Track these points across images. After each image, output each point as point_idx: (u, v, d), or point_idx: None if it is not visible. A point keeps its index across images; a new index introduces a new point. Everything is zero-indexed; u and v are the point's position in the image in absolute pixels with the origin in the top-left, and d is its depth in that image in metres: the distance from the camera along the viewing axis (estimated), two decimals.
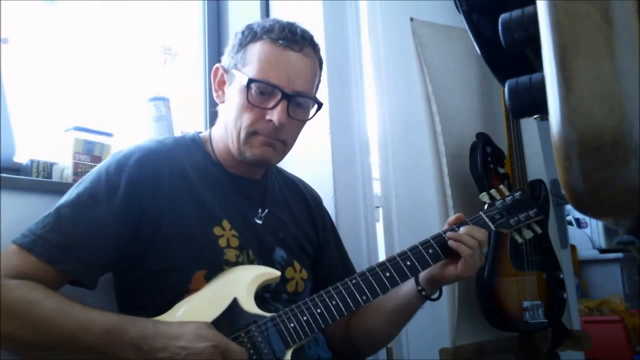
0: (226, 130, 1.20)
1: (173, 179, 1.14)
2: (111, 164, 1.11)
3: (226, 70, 1.22)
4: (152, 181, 1.11)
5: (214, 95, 1.25)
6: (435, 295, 1.25)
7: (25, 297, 0.95)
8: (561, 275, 2.12)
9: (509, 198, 1.33)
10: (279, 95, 1.14)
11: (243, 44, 1.19)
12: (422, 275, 1.22)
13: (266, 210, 1.25)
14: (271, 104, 1.14)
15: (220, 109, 1.25)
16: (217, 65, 1.24)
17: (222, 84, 1.23)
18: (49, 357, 0.97)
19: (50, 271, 1.00)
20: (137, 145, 1.17)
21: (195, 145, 1.24)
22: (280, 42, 1.15)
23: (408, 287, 1.24)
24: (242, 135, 1.16)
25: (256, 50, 1.16)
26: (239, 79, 1.17)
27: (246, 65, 1.16)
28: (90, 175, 1.11)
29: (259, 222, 1.23)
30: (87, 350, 0.94)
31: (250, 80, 1.13)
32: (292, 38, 1.16)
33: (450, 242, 1.19)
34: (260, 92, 1.14)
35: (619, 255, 4.03)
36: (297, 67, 1.16)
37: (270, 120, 1.14)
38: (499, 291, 1.94)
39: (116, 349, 0.94)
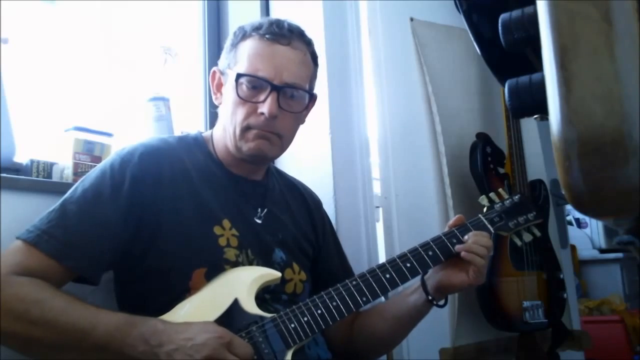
0: (224, 130, 1.21)
1: (174, 178, 1.14)
2: (115, 160, 1.12)
3: (222, 72, 1.24)
4: (154, 179, 1.12)
5: (213, 98, 1.27)
6: (442, 302, 1.25)
7: (34, 295, 0.95)
8: (561, 275, 2.12)
9: (508, 201, 1.33)
10: (268, 88, 1.15)
11: (234, 44, 1.21)
12: (431, 284, 1.22)
13: (265, 210, 1.25)
14: (261, 97, 1.15)
15: (219, 110, 1.26)
16: (214, 68, 1.26)
17: (219, 86, 1.25)
18: (56, 357, 0.96)
19: (56, 266, 1.00)
20: (141, 142, 1.18)
21: (197, 145, 1.25)
22: (267, 36, 1.17)
23: (416, 295, 1.24)
24: (237, 130, 1.17)
25: (245, 47, 1.19)
26: (231, 77, 1.19)
27: (237, 63, 1.19)
28: (94, 172, 1.12)
29: (259, 221, 1.23)
30: (95, 348, 0.94)
31: (239, 75, 1.16)
32: (279, 32, 1.18)
33: (463, 254, 1.18)
34: (252, 86, 1.16)
35: (619, 255, 4.03)
36: (285, 59, 1.17)
37: (262, 113, 1.15)
38: (499, 291, 1.94)
39: (124, 344, 0.94)
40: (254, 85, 1.16)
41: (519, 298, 1.96)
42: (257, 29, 1.19)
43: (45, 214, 1.05)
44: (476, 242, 1.19)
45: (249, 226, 1.20)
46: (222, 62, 1.24)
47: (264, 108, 1.14)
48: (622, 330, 3.45)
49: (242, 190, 1.24)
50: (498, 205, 1.32)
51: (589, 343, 2.42)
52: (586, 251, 4.19)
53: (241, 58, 1.18)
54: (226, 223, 1.16)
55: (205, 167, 1.21)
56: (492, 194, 1.35)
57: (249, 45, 1.18)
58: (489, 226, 1.26)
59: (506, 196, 1.34)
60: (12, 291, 0.95)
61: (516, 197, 1.34)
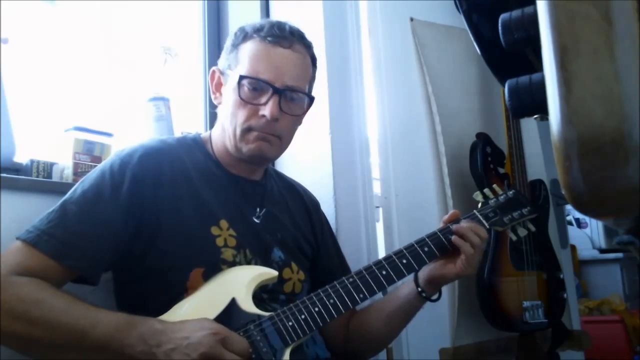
0: (224, 130, 1.22)
1: (174, 178, 1.15)
2: (115, 161, 1.12)
3: (222, 72, 1.24)
4: (154, 180, 1.12)
5: (212, 97, 1.27)
6: (435, 297, 1.25)
7: (34, 295, 0.95)
8: (561, 275, 2.12)
9: (502, 197, 1.33)
10: (270, 91, 1.16)
11: (235, 45, 1.22)
12: (422, 276, 1.23)
13: (264, 210, 1.25)
14: (263, 100, 1.16)
15: (218, 110, 1.27)
16: (214, 68, 1.26)
17: (219, 85, 1.26)
18: (56, 357, 0.97)
19: (55, 266, 1.00)
20: (140, 144, 1.18)
21: (197, 146, 1.26)
22: (269, 39, 1.18)
23: (408, 288, 1.25)
24: (238, 132, 1.18)
25: (247, 49, 1.19)
26: (232, 78, 1.19)
27: (238, 65, 1.19)
28: (94, 173, 1.12)
29: (257, 221, 1.23)
30: (95, 347, 0.95)
31: (241, 77, 1.16)
32: (281, 34, 1.19)
33: (454, 238, 1.19)
34: (253, 88, 1.17)
35: (619, 255, 4.02)
36: (287, 62, 1.18)
37: (264, 116, 1.16)
38: (499, 291, 1.94)
39: (124, 344, 0.94)
40: (255, 87, 1.17)
41: (519, 298, 1.96)
42: (258, 30, 1.19)
43: (45, 215, 1.05)
44: (472, 229, 1.20)
45: (248, 226, 1.21)
46: (222, 62, 1.25)
47: (266, 111, 1.15)
48: (622, 330, 3.45)
49: (240, 190, 1.24)
50: (492, 201, 1.32)
51: (589, 343, 2.42)
52: (586, 251, 4.19)
53: (243, 59, 1.19)
54: (223, 223, 1.16)
55: (205, 167, 1.22)
56: (486, 190, 1.35)
57: (250, 47, 1.19)
58: (483, 221, 1.27)
59: (500, 192, 1.35)
60: (12, 291, 0.95)
61: (510, 192, 1.34)
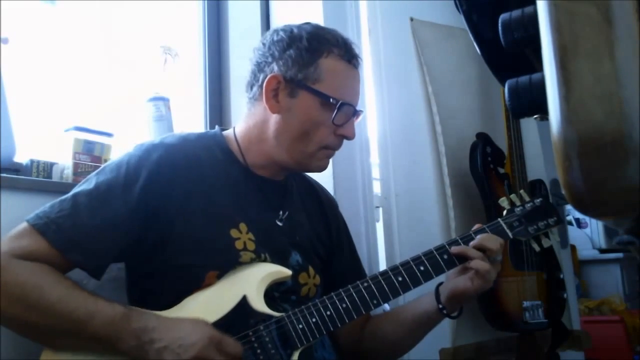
0: (276, 138, 1.18)
1: (191, 179, 1.12)
2: (133, 156, 1.11)
3: (289, 80, 1.16)
4: (169, 180, 1.10)
5: (266, 104, 1.17)
6: (455, 314, 1.22)
7: (34, 280, 0.96)
8: (561, 275, 2.12)
9: (529, 205, 1.26)
10: (352, 112, 1.19)
11: (313, 57, 1.16)
12: (443, 292, 1.20)
13: (287, 213, 1.23)
14: (343, 120, 1.18)
15: (259, 112, 1.20)
16: (275, 74, 1.17)
17: (276, 91, 1.17)
18: (54, 342, 0.98)
19: (59, 257, 1.01)
20: (162, 140, 1.16)
21: (217, 144, 1.22)
22: (350, 61, 1.20)
23: (428, 302, 1.22)
24: (313, 148, 1.18)
25: (329, 67, 1.17)
26: (314, 95, 1.15)
27: (319, 82, 1.16)
28: (111, 164, 1.12)
29: (280, 224, 1.21)
30: (90, 338, 0.96)
31: (343, 104, 1.16)
32: (355, 55, 1.21)
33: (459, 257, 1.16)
34: (342, 111, 1.18)
35: (619, 255, 4.02)
36: (359, 84, 1.23)
37: (343, 136, 1.19)
38: (499, 291, 1.94)
39: (118, 338, 0.96)
40: (342, 110, 1.17)
41: (519, 298, 1.95)
42: (334, 46, 1.18)
43: (57, 202, 1.05)
44: (475, 245, 1.16)
45: (267, 229, 1.18)
46: (290, 70, 1.16)
47: (348, 132, 1.19)
48: (622, 330, 3.45)
49: (262, 192, 1.21)
50: (519, 209, 1.25)
51: (589, 343, 2.42)
52: (586, 251, 4.18)
53: (326, 78, 1.16)
54: (243, 226, 1.14)
55: (225, 167, 1.19)
56: (513, 196, 1.28)
57: (332, 66, 1.17)
58: (507, 231, 1.22)
59: (527, 199, 1.28)
60: (13, 274, 0.96)
61: (538, 200, 1.27)
